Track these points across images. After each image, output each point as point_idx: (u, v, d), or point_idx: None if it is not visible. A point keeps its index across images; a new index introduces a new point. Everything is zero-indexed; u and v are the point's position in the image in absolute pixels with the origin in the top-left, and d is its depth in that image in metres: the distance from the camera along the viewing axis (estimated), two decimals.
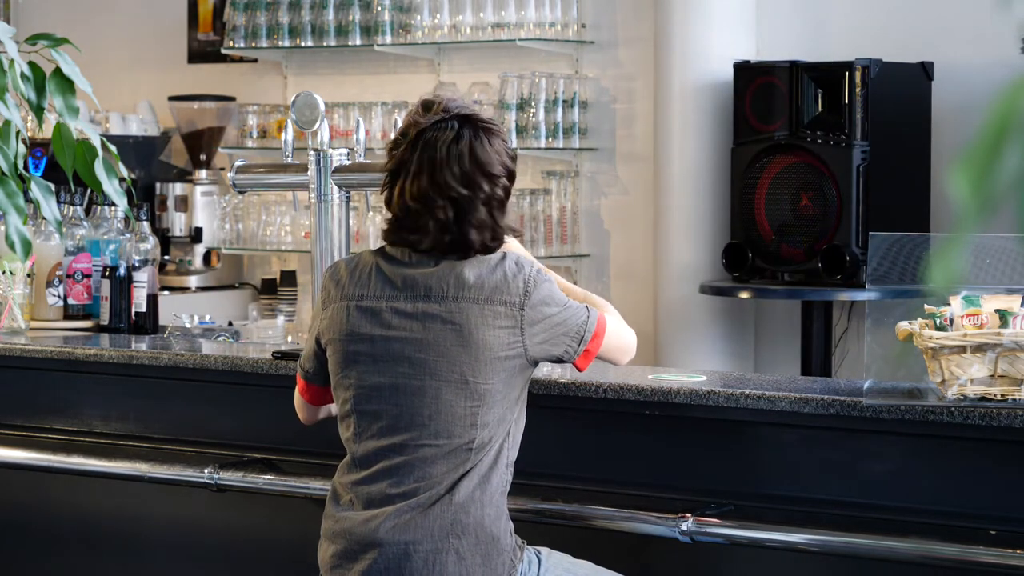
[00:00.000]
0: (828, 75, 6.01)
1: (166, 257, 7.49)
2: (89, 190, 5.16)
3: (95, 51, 7.50)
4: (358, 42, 7.20)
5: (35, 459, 4.62)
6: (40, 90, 2.83)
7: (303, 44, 7.32)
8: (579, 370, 3.52)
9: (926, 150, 6.16)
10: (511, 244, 3.55)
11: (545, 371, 3.90)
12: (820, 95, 6.02)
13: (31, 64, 2.84)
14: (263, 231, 7.32)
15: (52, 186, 2.99)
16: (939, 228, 5.99)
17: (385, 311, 3.39)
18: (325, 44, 7.28)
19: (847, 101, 5.93)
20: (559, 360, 3.45)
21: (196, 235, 7.52)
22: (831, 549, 3.57)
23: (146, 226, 5.06)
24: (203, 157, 7.68)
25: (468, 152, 3.37)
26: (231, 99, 7.72)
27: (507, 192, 3.44)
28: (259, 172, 4.58)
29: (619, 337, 3.55)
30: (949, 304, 3.43)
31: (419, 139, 3.39)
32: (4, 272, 4.99)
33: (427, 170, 3.37)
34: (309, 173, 4.34)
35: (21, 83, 2.79)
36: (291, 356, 4.24)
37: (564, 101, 6.81)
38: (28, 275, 5.06)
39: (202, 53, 7.99)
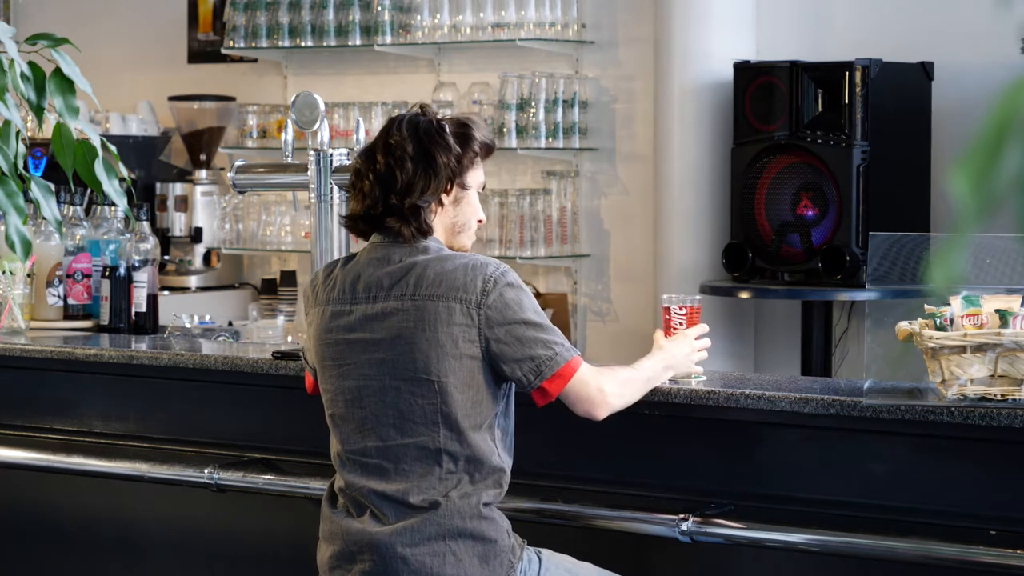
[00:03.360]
0: (828, 75, 6.00)
1: (166, 257, 7.49)
2: (89, 190, 5.16)
3: (95, 51, 7.49)
4: (358, 42, 7.20)
5: (35, 459, 4.62)
6: (40, 90, 2.83)
7: (303, 44, 7.32)
8: (537, 405, 3.46)
9: (926, 150, 6.15)
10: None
11: None
12: (820, 95, 6.02)
13: (31, 64, 2.84)
14: (263, 231, 7.32)
15: (52, 186, 2.99)
16: (939, 228, 5.99)
17: (347, 313, 3.44)
18: (325, 44, 7.28)
19: (847, 101, 5.93)
20: (519, 384, 3.40)
21: (196, 235, 7.51)
22: (831, 549, 3.57)
23: (146, 226, 5.06)
24: (203, 157, 7.68)
25: (398, 135, 3.44)
26: (231, 99, 7.71)
27: (423, 179, 3.42)
28: (259, 172, 4.59)
29: (586, 386, 3.42)
30: (949, 304, 3.43)
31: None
32: (4, 272, 4.99)
33: (364, 149, 3.51)
34: (309, 173, 4.34)
35: (21, 83, 2.79)
36: (291, 356, 4.24)
37: (564, 101, 6.81)
38: (28, 275, 5.06)
39: (202, 53, 7.98)
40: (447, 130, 3.45)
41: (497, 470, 3.40)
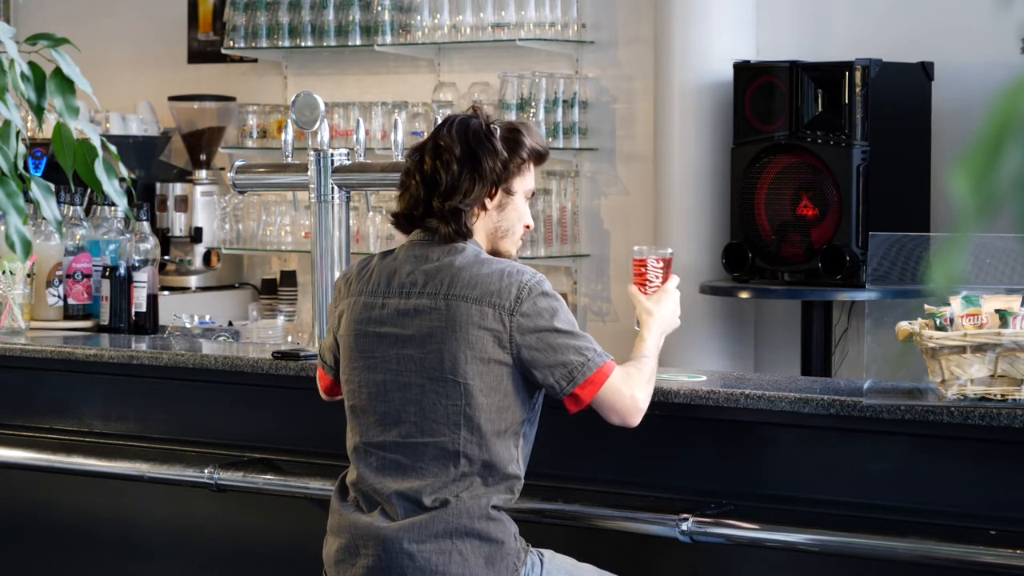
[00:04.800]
0: (828, 75, 6.00)
1: (166, 257, 7.49)
2: (89, 190, 5.16)
3: (95, 51, 7.49)
4: (358, 42, 7.20)
5: (35, 459, 4.62)
6: (40, 90, 2.83)
7: (303, 44, 7.31)
8: (568, 412, 3.44)
9: (926, 150, 6.15)
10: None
11: None
12: (820, 95, 6.02)
13: (31, 64, 2.84)
14: (263, 231, 7.32)
15: (52, 186, 2.99)
16: (939, 228, 5.99)
17: (379, 307, 3.44)
18: (325, 44, 7.28)
19: (847, 101, 5.93)
20: (551, 391, 3.39)
21: (196, 235, 7.51)
22: (831, 549, 3.57)
23: (146, 226, 5.07)
24: (203, 157, 7.68)
25: (447, 137, 3.46)
26: (231, 99, 7.71)
27: (467, 182, 3.43)
28: (259, 172, 4.59)
29: (619, 394, 3.40)
30: (949, 304, 3.43)
31: None
32: (4, 272, 4.99)
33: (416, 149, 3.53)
34: (309, 173, 4.34)
35: (21, 83, 2.79)
36: (291, 356, 4.24)
37: (564, 101, 6.81)
38: (28, 275, 5.06)
39: (202, 53, 7.98)
40: (496, 134, 3.47)
41: (512, 477, 3.40)
